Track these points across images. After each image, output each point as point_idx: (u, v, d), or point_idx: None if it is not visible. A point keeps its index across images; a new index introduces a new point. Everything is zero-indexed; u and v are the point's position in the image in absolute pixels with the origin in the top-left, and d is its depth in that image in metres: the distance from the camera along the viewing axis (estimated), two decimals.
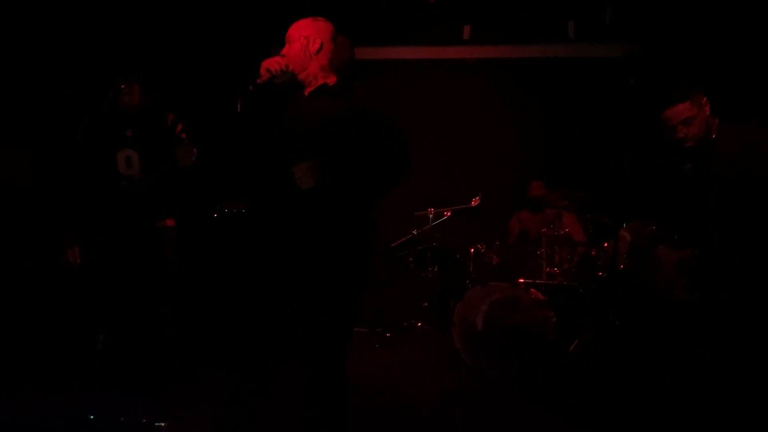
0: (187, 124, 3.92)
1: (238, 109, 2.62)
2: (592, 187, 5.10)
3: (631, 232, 3.03)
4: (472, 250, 4.86)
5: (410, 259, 5.20)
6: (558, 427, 3.56)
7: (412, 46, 6.01)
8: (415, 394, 3.97)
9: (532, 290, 4.42)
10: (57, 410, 3.35)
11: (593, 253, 4.47)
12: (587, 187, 4.94)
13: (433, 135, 5.97)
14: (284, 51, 2.71)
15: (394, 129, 2.58)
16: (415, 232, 5.14)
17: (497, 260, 4.83)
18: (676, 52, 5.40)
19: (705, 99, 2.79)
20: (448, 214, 5.10)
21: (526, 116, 5.88)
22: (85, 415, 3.21)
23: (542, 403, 3.86)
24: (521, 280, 4.52)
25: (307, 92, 2.66)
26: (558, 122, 5.89)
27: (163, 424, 3.16)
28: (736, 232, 2.61)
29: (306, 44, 2.67)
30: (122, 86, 3.78)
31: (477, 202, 4.97)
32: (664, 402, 3.63)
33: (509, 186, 5.64)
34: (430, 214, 5.09)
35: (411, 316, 5.09)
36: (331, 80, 2.66)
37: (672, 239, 2.83)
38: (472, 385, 4.18)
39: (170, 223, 4.10)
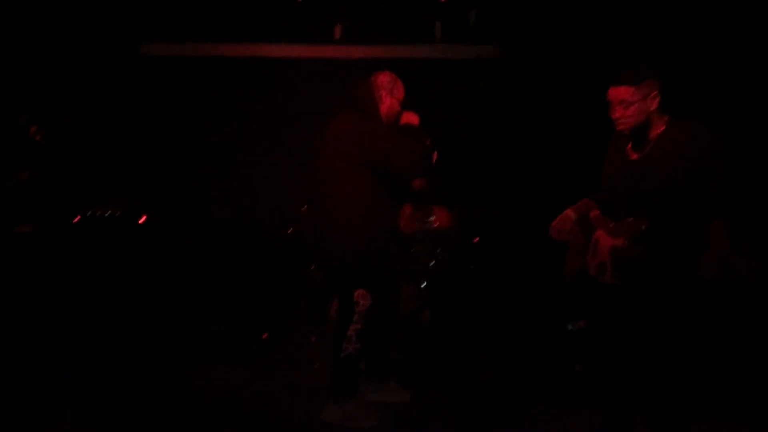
0: (43, 124, 3.69)
1: None
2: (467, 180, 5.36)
3: (576, 212, 3.08)
4: None
5: (287, 258, 5.16)
6: (437, 414, 3.69)
7: (284, 44, 5.96)
8: (292, 394, 3.97)
9: (408, 284, 4.54)
10: None
11: (463, 246, 4.67)
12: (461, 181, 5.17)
13: (306, 133, 5.96)
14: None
15: None
16: (290, 230, 5.11)
17: None
18: (540, 53, 5.73)
19: (655, 93, 2.77)
20: None
21: None
22: None
23: (422, 393, 3.98)
24: None
25: None
26: (429, 121, 6.05)
27: None
28: (663, 226, 2.69)
29: None
30: None
31: None
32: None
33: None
34: (305, 212, 5.07)
35: (289, 315, 5.07)
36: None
37: (608, 226, 2.89)
38: None
39: (26, 228, 3.86)
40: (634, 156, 2.87)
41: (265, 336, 5.07)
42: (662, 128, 2.80)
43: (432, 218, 4.78)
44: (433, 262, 4.64)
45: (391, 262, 3.81)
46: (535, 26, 5.61)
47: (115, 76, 5.61)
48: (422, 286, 4.56)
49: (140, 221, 5.05)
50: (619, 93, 2.78)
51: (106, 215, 4.79)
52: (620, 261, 2.78)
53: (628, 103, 2.76)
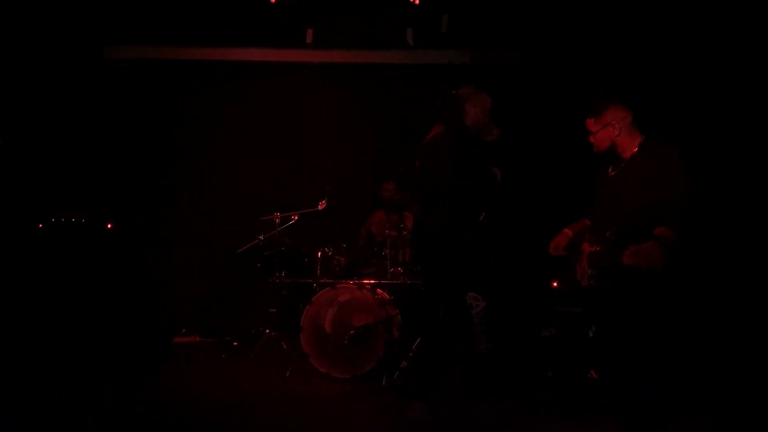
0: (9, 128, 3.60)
1: None
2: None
3: (573, 230, 3.41)
4: (320, 253, 4.87)
5: (258, 265, 5.11)
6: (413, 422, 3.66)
7: (256, 47, 5.92)
8: (263, 401, 3.91)
9: (378, 290, 4.52)
10: None
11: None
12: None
13: (278, 138, 5.92)
14: None
15: None
16: (261, 237, 5.05)
17: (345, 262, 4.88)
18: (513, 59, 5.77)
19: (615, 122, 3.14)
20: (296, 218, 5.08)
21: (369, 120, 6.01)
22: None
23: (394, 400, 3.95)
24: (367, 281, 4.60)
25: None
26: (401, 125, 6.06)
27: None
28: (629, 235, 2.96)
29: None
30: None
31: (323, 206, 4.98)
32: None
33: (356, 189, 5.73)
34: (277, 218, 5.03)
35: (259, 322, 5.00)
36: None
37: (590, 237, 3.25)
38: (321, 388, 4.20)
39: None
40: (611, 174, 3.24)
41: (235, 344, 4.99)
42: (635, 150, 3.15)
43: (402, 225, 4.78)
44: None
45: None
46: (507, 32, 5.64)
47: (80, 80, 5.51)
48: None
49: (108, 227, 4.96)
50: (587, 123, 3.23)
51: (72, 221, 4.69)
52: (595, 265, 3.13)
53: (592, 133, 3.22)
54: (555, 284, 4.54)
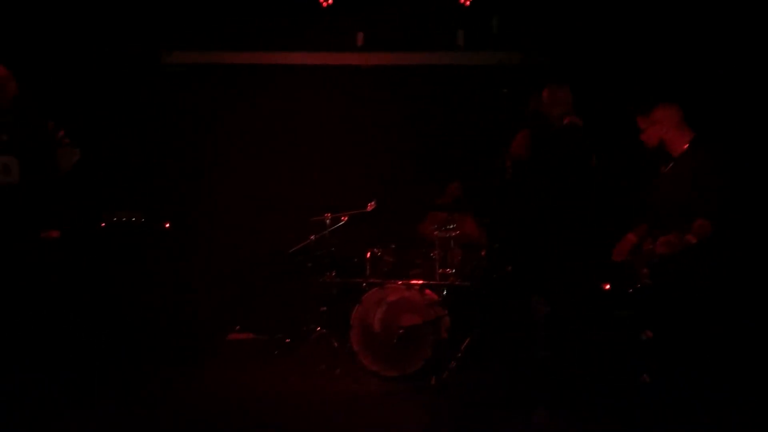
0: (68, 130, 3.77)
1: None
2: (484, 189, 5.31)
3: (637, 234, 3.43)
4: (369, 253, 4.93)
5: (308, 264, 5.20)
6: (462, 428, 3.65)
7: (308, 51, 6.02)
8: (315, 400, 3.98)
9: (427, 291, 4.54)
10: None
11: (483, 253, 4.65)
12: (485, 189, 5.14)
13: (329, 140, 6.00)
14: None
15: None
16: (312, 237, 5.15)
17: (393, 262, 4.93)
18: (564, 60, 5.70)
19: (662, 119, 3.21)
20: (345, 218, 5.15)
21: (419, 121, 6.03)
22: None
23: (442, 401, 3.96)
24: (415, 282, 4.63)
25: None
26: (452, 127, 6.07)
27: None
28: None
29: None
30: None
31: (373, 207, 5.04)
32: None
33: (406, 190, 5.77)
34: (328, 219, 5.11)
35: (310, 321, 5.10)
36: None
37: (648, 238, 3.26)
38: (371, 387, 4.25)
39: (55, 234, 3.91)
40: (663, 172, 3.31)
41: (287, 341, 5.09)
42: (685, 147, 3.19)
43: (452, 226, 4.77)
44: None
45: None
46: (557, 34, 5.59)
47: (137, 84, 5.70)
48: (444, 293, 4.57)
49: (166, 226, 5.12)
50: (638, 121, 3.32)
51: (123, 221, 4.85)
52: (646, 263, 3.18)
53: (641, 129, 3.30)
54: (607, 287, 4.39)
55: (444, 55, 5.97)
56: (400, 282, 4.63)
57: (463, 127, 6.01)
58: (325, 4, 5.55)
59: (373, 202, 5.02)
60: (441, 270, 4.69)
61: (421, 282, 4.64)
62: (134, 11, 5.45)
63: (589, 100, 5.41)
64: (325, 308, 4.97)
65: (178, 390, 4.13)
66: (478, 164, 5.59)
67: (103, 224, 4.71)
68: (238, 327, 5.44)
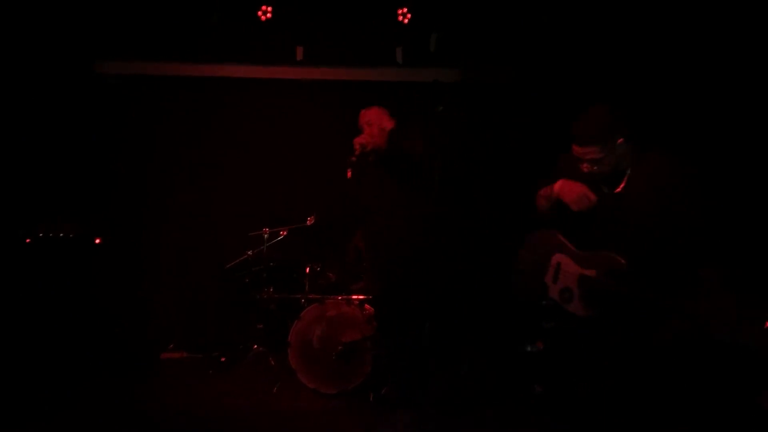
0: None
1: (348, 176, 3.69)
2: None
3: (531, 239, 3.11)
4: (308, 269, 4.89)
5: (246, 280, 5.11)
6: None
7: (246, 64, 5.95)
8: (252, 419, 3.91)
9: (366, 306, 4.54)
10: None
11: None
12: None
13: (267, 154, 5.94)
14: (368, 132, 4.06)
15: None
16: (250, 252, 5.06)
17: (334, 278, 4.90)
18: (503, 79, 5.83)
19: (621, 140, 2.74)
20: (284, 233, 5.10)
21: (356, 136, 6.03)
22: None
23: (380, 416, 3.95)
24: (355, 297, 4.62)
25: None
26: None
27: None
28: (637, 260, 2.66)
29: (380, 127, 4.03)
30: None
31: (312, 221, 5.01)
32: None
33: (344, 204, 5.76)
34: (266, 233, 5.05)
35: (247, 338, 5.00)
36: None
37: (577, 254, 2.88)
38: (309, 405, 4.19)
39: None
40: (608, 189, 2.86)
41: (223, 359, 4.98)
42: (629, 163, 2.78)
43: None
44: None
45: None
46: (495, 51, 5.72)
47: (70, 93, 5.51)
48: None
49: (96, 242, 4.95)
50: (587, 152, 2.76)
51: (60, 236, 4.68)
52: (591, 293, 2.77)
53: (597, 160, 2.76)
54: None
55: (382, 71, 6.02)
56: (339, 297, 4.62)
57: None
58: (264, 18, 5.51)
59: (312, 217, 5.00)
60: None
61: (360, 297, 4.63)
62: (69, 19, 5.28)
63: (528, 115, 5.60)
64: (262, 325, 4.89)
65: (109, 411, 3.97)
66: None
67: (28, 240, 4.51)
68: (171, 345, 5.29)
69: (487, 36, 5.68)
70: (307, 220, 5.00)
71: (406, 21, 5.64)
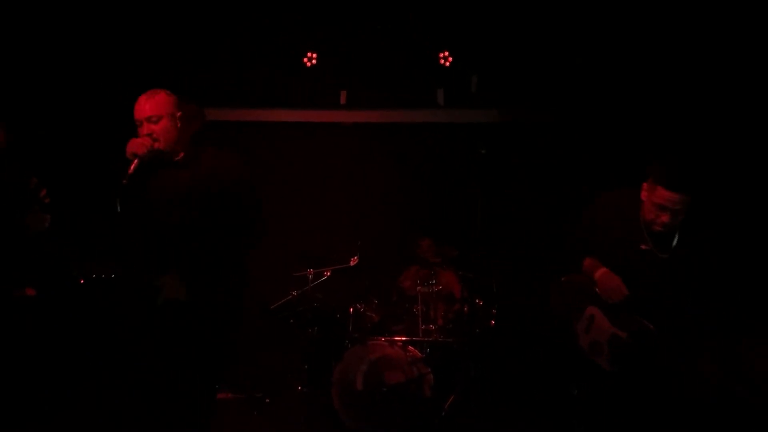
0: (49, 188, 3.73)
1: (118, 207, 2.76)
2: (466, 244, 5.35)
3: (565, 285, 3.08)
4: (352, 309, 4.90)
5: (291, 320, 5.15)
6: None
7: (291, 109, 6.11)
8: None
9: (410, 348, 4.51)
10: None
11: (466, 309, 4.65)
12: (462, 244, 5.18)
13: (311, 196, 6.04)
14: (149, 130, 2.83)
15: (246, 194, 3.02)
16: (294, 292, 5.11)
17: (377, 319, 4.90)
18: (542, 119, 5.85)
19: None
20: (328, 274, 5.13)
21: (400, 177, 6.11)
22: None
23: None
24: (398, 338, 4.60)
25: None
26: (432, 183, 6.17)
27: None
28: (677, 326, 2.66)
29: (171, 120, 2.88)
30: None
31: (355, 262, 5.04)
32: None
33: (388, 245, 5.79)
34: (310, 274, 5.10)
35: (291, 379, 5.01)
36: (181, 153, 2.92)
37: (611, 312, 2.85)
38: None
39: (30, 292, 3.84)
40: (656, 250, 2.73)
41: (267, 400, 4.98)
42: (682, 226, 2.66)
43: (434, 281, 4.78)
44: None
45: None
46: (536, 91, 5.75)
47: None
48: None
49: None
50: (677, 201, 2.59)
51: (101, 276, 4.79)
52: (619, 352, 2.77)
53: (679, 212, 2.61)
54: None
55: (424, 112, 6.10)
56: (382, 338, 4.61)
57: (441, 184, 6.13)
58: (309, 63, 5.67)
59: (356, 257, 5.03)
60: (424, 326, 4.67)
61: (404, 338, 4.61)
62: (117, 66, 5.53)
63: (569, 154, 5.58)
64: (306, 365, 4.89)
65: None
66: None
67: (82, 281, 4.64)
68: (216, 386, 5.32)
69: (526, 76, 5.73)
70: (350, 260, 5.03)
71: (447, 64, 5.73)
